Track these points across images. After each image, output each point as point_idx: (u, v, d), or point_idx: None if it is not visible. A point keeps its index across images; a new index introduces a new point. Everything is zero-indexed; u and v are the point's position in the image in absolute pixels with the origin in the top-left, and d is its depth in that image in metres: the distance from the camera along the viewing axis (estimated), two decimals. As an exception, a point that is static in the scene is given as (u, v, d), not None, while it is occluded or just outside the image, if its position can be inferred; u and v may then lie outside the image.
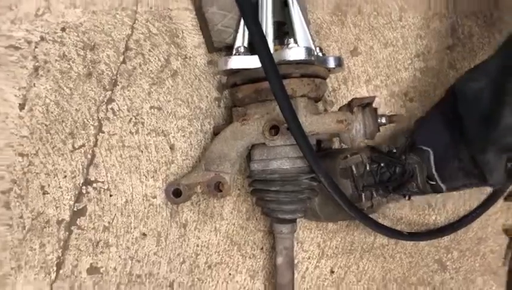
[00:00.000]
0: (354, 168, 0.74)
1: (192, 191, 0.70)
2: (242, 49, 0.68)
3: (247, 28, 0.63)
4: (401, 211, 0.89)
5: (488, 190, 0.92)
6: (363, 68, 0.87)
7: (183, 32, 0.76)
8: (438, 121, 0.76)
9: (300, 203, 0.70)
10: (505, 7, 0.98)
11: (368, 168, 0.75)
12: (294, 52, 0.65)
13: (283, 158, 0.67)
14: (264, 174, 0.68)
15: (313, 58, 0.66)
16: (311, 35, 0.71)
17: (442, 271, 0.92)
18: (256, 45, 0.59)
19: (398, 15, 0.90)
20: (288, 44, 0.66)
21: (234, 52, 0.68)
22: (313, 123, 0.66)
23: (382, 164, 0.75)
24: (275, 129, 0.65)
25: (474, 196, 0.94)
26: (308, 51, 0.65)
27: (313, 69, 0.68)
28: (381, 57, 0.88)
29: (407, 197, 0.79)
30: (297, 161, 0.67)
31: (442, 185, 0.75)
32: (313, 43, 0.70)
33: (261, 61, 0.59)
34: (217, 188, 0.68)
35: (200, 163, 0.70)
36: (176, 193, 0.70)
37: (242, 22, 0.68)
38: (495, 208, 0.95)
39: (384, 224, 0.80)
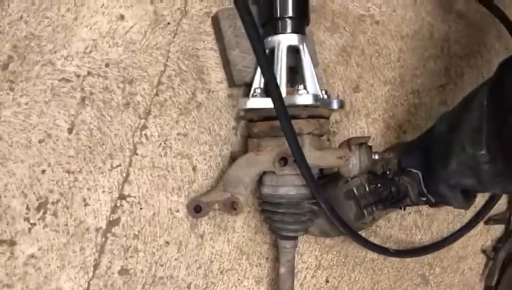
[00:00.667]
0: (355, 190, 0.85)
1: (210, 208, 0.81)
2: (259, 91, 0.79)
3: (265, 80, 0.74)
4: (390, 230, 1.00)
5: (469, 215, 1.04)
6: (363, 103, 0.98)
7: (208, 69, 0.86)
8: (419, 149, 0.85)
9: (302, 223, 0.81)
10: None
11: (367, 189, 0.85)
12: (303, 98, 0.76)
13: (290, 185, 0.78)
14: (273, 198, 0.79)
15: (318, 103, 0.78)
16: (318, 78, 0.82)
17: (425, 285, 1.03)
18: (271, 94, 0.70)
19: (397, 56, 1.01)
20: (298, 90, 0.77)
21: (252, 93, 0.79)
22: (316, 158, 0.77)
23: (379, 185, 0.85)
24: (284, 160, 0.76)
25: (456, 219, 1.05)
26: (315, 97, 0.77)
27: (319, 111, 0.79)
28: (380, 94, 0.99)
29: (402, 209, 0.89)
30: (302, 188, 0.78)
31: (432, 199, 0.83)
32: (320, 87, 0.81)
33: (275, 107, 0.70)
34: (232, 207, 0.80)
35: (218, 184, 0.81)
36: (196, 209, 0.82)
37: (259, 70, 0.80)
38: (475, 230, 1.05)
39: (375, 241, 0.91)
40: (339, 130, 0.96)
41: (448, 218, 1.04)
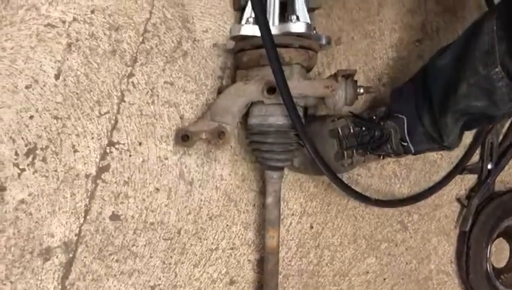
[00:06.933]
0: (340, 130, 0.88)
1: (197, 137, 0.81)
2: (251, 20, 0.80)
3: (252, 8, 0.74)
4: (371, 179, 1.03)
5: (444, 165, 1.08)
6: (344, 56, 1.00)
7: (193, 18, 0.87)
8: (408, 93, 0.88)
9: (290, 153, 0.84)
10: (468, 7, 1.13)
11: (351, 130, 0.88)
12: (297, 26, 0.78)
13: (279, 115, 0.80)
14: (261, 128, 0.80)
15: (311, 33, 0.79)
16: (310, 14, 0.83)
17: (404, 231, 1.07)
18: (257, 20, 0.71)
19: (377, 10, 1.04)
20: (291, 19, 0.78)
21: (244, 21, 0.81)
22: (304, 87, 0.79)
23: (364, 128, 0.88)
24: (272, 89, 0.77)
25: (433, 169, 1.09)
26: (308, 26, 0.79)
27: (309, 42, 0.81)
28: (360, 47, 1.02)
29: (381, 157, 0.92)
30: None
31: (411, 146, 0.87)
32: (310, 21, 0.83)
33: (261, 32, 0.71)
34: (219, 137, 0.80)
35: (206, 114, 0.82)
36: (184, 138, 0.82)
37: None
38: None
39: (356, 189, 0.94)
40: (322, 82, 0.98)
41: (425, 168, 1.09)
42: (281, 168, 0.85)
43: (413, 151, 0.88)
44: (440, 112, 0.81)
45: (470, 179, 1.14)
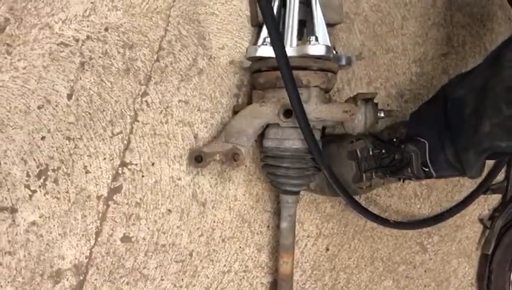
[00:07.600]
0: (358, 152, 0.84)
1: (211, 158, 0.79)
2: (268, 40, 0.77)
3: (268, 32, 0.69)
4: (390, 199, 1.00)
5: (467, 184, 1.04)
6: (365, 71, 0.97)
7: (209, 35, 0.85)
8: (429, 118, 0.84)
9: (306, 178, 0.80)
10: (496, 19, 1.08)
11: (370, 153, 0.85)
12: (316, 48, 0.74)
13: (295, 139, 0.77)
14: (277, 151, 0.78)
15: (331, 55, 0.76)
16: (329, 34, 0.80)
17: (423, 253, 1.04)
18: (273, 44, 0.68)
19: (400, 24, 1.00)
20: (310, 41, 0.75)
21: (261, 42, 0.78)
22: (322, 111, 0.75)
23: (383, 151, 0.85)
24: (289, 112, 0.74)
25: (455, 189, 1.05)
26: (328, 48, 0.75)
27: (329, 64, 0.77)
28: (382, 62, 0.98)
29: (401, 180, 0.89)
30: None
31: (433, 172, 0.83)
32: (330, 42, 0.80)
33: (276, 57, 0.69)
34: (233, 158, 0.78)
35: (220, 135, 0.80)
36: (197, 159, 0.79)
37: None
38: (473, 199, 1.07)
39: (374, 211, 0.90)
40: (341, 98, 0.95)
41: (447, 188, 1.05)
42: (297, 193, 0.82)
43: (434, 176, 0.84)
44: (462, 147, 0.76)
45: (494, 199, 1.10)
